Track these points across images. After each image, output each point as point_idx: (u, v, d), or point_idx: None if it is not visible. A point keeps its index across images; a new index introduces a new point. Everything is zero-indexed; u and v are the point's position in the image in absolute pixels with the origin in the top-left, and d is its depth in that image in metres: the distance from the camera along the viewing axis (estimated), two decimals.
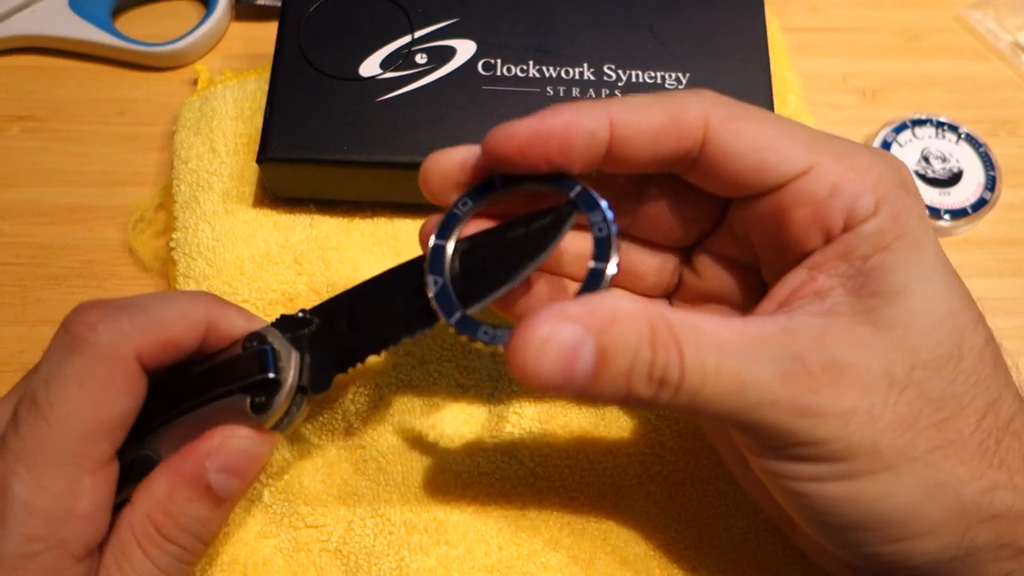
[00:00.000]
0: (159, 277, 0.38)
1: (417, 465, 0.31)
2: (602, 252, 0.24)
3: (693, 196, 0.26)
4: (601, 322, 0.21)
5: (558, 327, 0.21)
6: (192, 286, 0.35)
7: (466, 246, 0.25)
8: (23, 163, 0.41)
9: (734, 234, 0.27)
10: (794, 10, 0.46)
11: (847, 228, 0.23)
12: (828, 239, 0.24)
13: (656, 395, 0.22)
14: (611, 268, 0.23)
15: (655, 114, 0.24)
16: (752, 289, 0.28)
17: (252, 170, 0.38)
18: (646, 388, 0.21)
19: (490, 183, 0.25)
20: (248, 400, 0.26)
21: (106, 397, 0.25)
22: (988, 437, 0.23)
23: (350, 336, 0.27)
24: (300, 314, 0.27)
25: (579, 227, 0.25)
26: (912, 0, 0.47)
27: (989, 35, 0.45)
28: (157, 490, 0.26)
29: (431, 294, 0.25)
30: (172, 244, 0.36)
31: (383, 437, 0.32)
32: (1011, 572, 0.23)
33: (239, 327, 0.27)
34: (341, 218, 0.37)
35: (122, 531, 0.25)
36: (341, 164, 0.35)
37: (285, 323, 0.27)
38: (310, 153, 0.35)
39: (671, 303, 0.29)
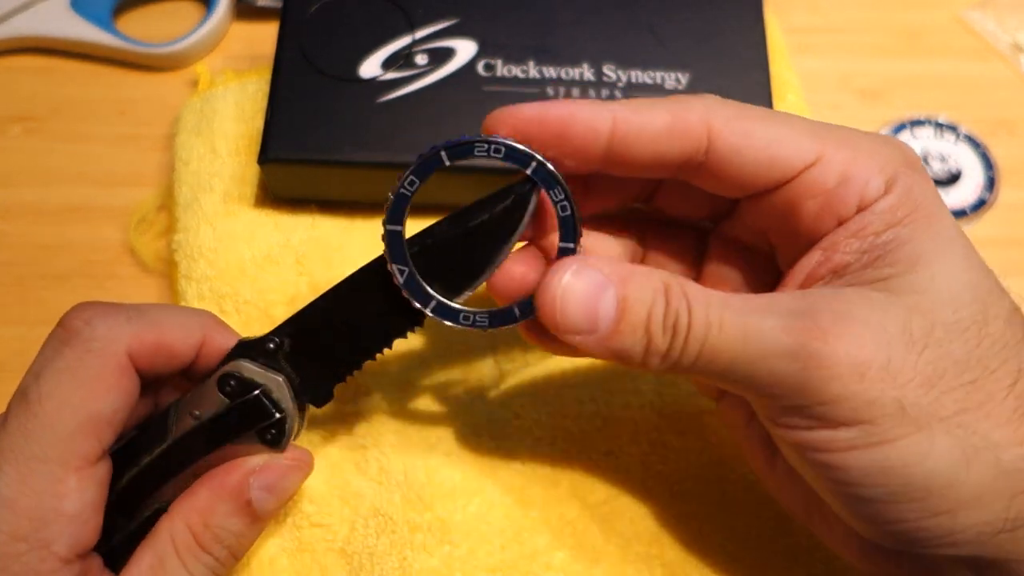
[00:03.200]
0: (160, 278, 0.38)
1: (419, 465, 0.31)
2: (568, 232, 0.24)
3: (700, 196, 0.26)
4: (621, 274, 0.23)
5: (581, 272, 0.23)
6: (194, 287, 0.35)
7: (429, 240, 0.25)
8: (23, 163, 0.41)
9: (746, 226, 0.27)
10: (794, 10, 0.46)
11: (860, 211, 0.23)
12: (842, 223, 0.24)
13: (671, 345, 0.23)
14: (580, 247, 0.24)
15: (658, 114, 0.24)
16: (770, 277, 0.27)
17: (253, 171, 0.38)
18: (662, 337, 0.23)
19: (435, 157, 0.24)
20: (257, 437, 0.26)
21: (96, 391, 0.24)
22: (1022, 401, 0.22)
23: (337, 346, 0.27)
24: (270, 341, 0.27)
25: None
26: (912, 0, 0.47)
27: (989, 35, 0.45)
28: (199, 501, 0.26)
29: (399, 283, 0.24)
30: (173, 245, 0.36)
31: (384, 437, 0.32)
32: None
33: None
34: (342, 218, 0.37)
35: (160, 539, 0.25)
36: (342, 165, 0.35)
37: (251, 349, 0.27)
38: (311, 154, 0.35)
39: None
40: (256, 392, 0.26)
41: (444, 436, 0.32)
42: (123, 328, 0.25)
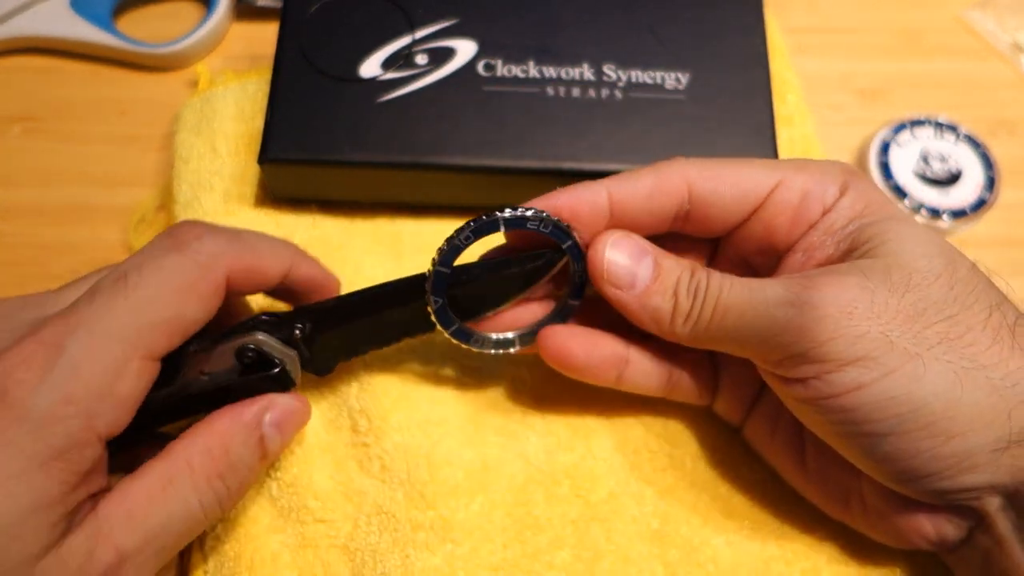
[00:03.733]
0: None
1: (422, 463, 0.31)
2: (576, 292, 0.30)
3: (684, 244, 0.31)
4: (655, 250, 0.28)
5: (625, 237, 0.28)
6: None
7: (466, 277, 0.29)
8: (24, 163, 0.41)
9: (729, 261, 0.30)
10: (794, 10, 0.46)
11: (824, 214, 0.28)
12: (812, 227, 0.28)
13: (692, 306, 0.27)
14: (579, 304, 0.30)
15: (643, 178, 0.28)
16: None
17: (253, 170, 0.38)
18: (686, 299, 0.27)
19: (494, 224, 0.28)
20: None
21: (188, 298, 0.26)
22: (1000, 330, 0.24)
23: (353, 337, 0.30)
24: (295, 324, 0.29)
25: None
26: (912, 0, 0.47)
27: (989, 35, 0.45)
28: (220, 427, 0.27)
29: (432, 310, 0.29)
30: None
31: (387, 435, 0.32)
32: None
33: (317, 277, 0.31)
34: (343, 218, 0.37)
35: (174, 459, 0.26)
36: (342, 165, 0.35)
37: (272, 325, 0.29)
38: (311, 154, 0.35)
39: None
40: (277, 369, 0.28)
41: (447, 434, 0.32)
42: (226, 250, 0.27)
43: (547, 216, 0.28)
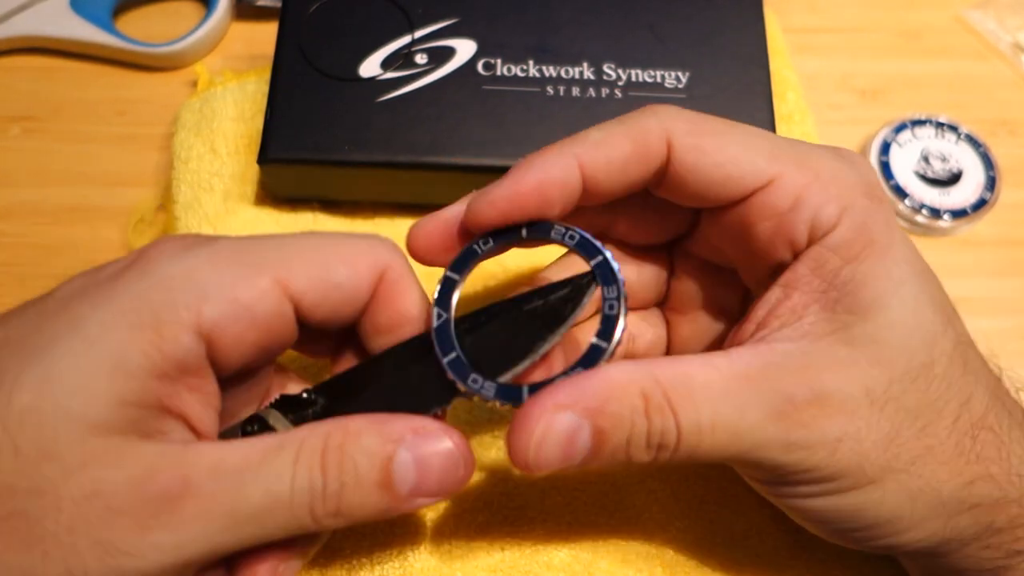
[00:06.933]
0: None
1: None
2: (606, 330, 0.23)
3: (664, 206, 0.27)
4: (595, 403, 0.22)
5: (554, 419, 0.22)
6: None
7: (483, 317, 0.25)
8: (23, 163, 0.41)
9: (708, 241, 0.27)
10: (794, 10, 0.46)
11: (812, 240, 0.24)
12: (795, 251, 0.24)
13: (656, 458, 0.23)
14: (610, 348, 0.23)
15: (619, 144, 0.24)
16: (735, 292, 0.29)
17: (253, 170, 0.38)
18: (645, 454, 0.23)
19: (515, 230, 0.25)
20: None
21: (338, 266, 0.24)
22: (964, 436, 0.24)
23: (365, 405, 0.25)
24: (304, 395, 0.26)
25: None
26: (912, 0, 0.47)
27: (989, 35, 0.45)
28: (352, 423, 0.22)
29: (434, 325, 0.24)
30: None
31: None
32: (988, 546, 0.25)
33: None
34: (343, 218, 0.37)
35: (292, 433, 0.22)
36: (341, 165, 0.35)
37: (287, 403, 0.26)
38: (310, 154, 0.35)
39: (663, 312, 0.30)
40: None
41: None
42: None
43: (574, 229, 0.24)
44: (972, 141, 0.41)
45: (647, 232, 0.28)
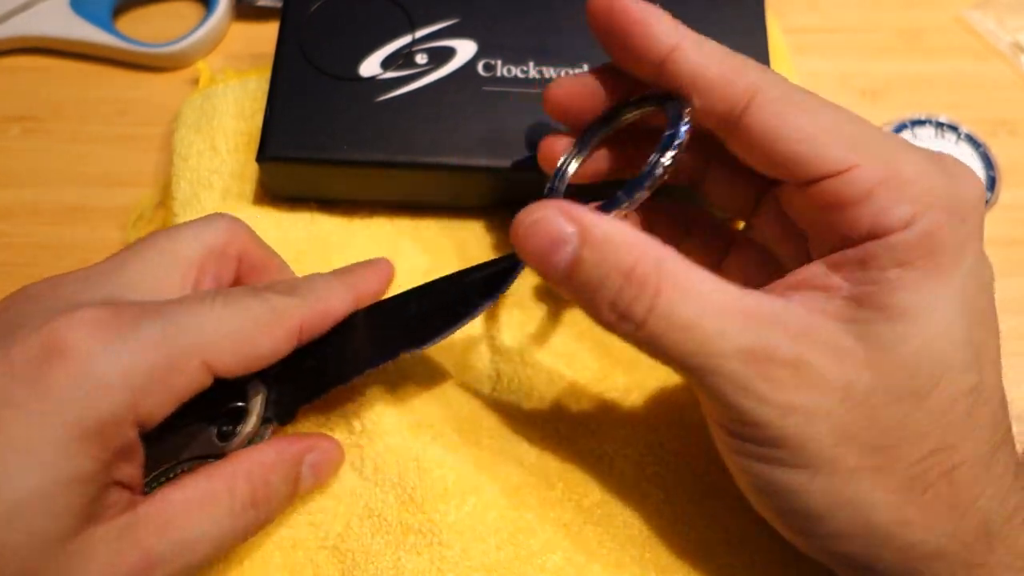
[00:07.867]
0: None
1: (413, 465, 0.31)
2: (662, 147, 0.25)
3: (741, 188, 0.28)
4: (591, 235, 0.23)
5: (554, 217, 0.23)
6: None
7: (428, 288, 0.29)
8: (23, 163, 0.41)
9: (779, 207, 0.27)
10: (794, 10, 0.46)
11: (874, 234, 0.23)
12: (854, 240, 0.23)
13: (617, 325, 0.23)
14: (666, 159, 0.25)
15: (713, 65, 0.25)
16: (798, 257, 0.27)
17: (253, 168, 0.38)
18: (607, 313, 0.23)
19: (591, 125, 0.28)
20: (215, 429, 0.28)
21: (263, 337, 0.26)
22: (925, 474, 0.23)
23: (316, 372, 0.29)
24: (240, 404, 0.29)
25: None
26: (912, 0, 0.47)
27: (989, 35, 0.45)
28: (266, 458, 0.27)
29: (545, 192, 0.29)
30: None
31: (380, 437, 0.32)
32: None
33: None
34: (341, 217, 0.37)
35: (218, 478, 0.26)
36: (341, 164, 0.35)
37: (233, 415, 0.28)
38: (310, 153, 0.35)
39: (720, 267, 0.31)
40: (240, 403, 0.28)
41: (439, 436, 0.32)
42: (299, 303, 0.28)
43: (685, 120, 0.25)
44: (972, 141, 0.41)
45: (730, 195, 0.29)
